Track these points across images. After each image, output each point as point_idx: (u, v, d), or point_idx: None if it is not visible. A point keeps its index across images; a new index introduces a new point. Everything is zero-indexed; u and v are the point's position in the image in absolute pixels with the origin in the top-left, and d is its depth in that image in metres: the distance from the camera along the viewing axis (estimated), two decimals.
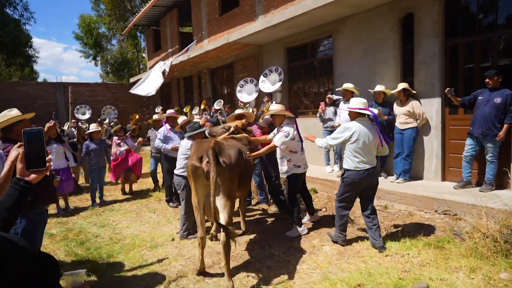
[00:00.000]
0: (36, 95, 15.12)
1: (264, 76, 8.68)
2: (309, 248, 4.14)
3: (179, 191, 4.85)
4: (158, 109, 13.96)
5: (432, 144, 5.68)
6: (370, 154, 3.87)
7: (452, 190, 4.99)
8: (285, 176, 4.74)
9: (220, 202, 3.44)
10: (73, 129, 9.13)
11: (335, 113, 6.58)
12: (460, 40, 5.38)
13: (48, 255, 1.21)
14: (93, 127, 6.78)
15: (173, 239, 4.73)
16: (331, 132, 6.11)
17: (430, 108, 5.64)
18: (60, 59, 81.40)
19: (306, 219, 5.07)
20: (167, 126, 6.27)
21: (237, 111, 5.86)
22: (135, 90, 12.20)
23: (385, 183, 5.80)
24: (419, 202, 4.97)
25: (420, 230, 4.23)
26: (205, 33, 11.99)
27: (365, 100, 3.97)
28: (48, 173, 3.57)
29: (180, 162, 4.78)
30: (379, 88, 6.00)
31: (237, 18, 10.06)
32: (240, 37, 8.45)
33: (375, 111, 5.76)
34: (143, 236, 4.93)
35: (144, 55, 26.35)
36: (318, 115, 6.78)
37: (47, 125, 3.51)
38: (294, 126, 4.57)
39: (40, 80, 33.69)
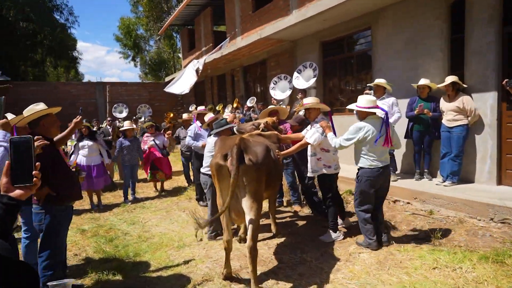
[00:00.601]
0: (78, 95, 15.81)
1: (298, 72, 8.35)
2: (345, 255, 3.80)
3: (205, 190, 4.69)
4: (192, 108, 14.04)
5: (485, 143, 5.09)
6: (384, 152, 3.80)
7: (511, 196, 4.41)
8: (315, 176, 4.44)
9: (246, 203, 3.20)
10: (109, 127, 9.33)
11: None
12: None
13: (27, 265, 1.03)
14: (126, 124, 6.83)
15: (201, 240, 4.57)
16: None
17: (484, 104, 5.05)
18: (103, 61, 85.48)
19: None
20: (198, 123, 6.16)
21: (270, 107, 5.61)
22: (169, 89, 12.32)
23: (430, 185, 5.30)
24: (470, 208, 4.44)
25: (473, 240, 3.76)
26: (238, 30, 11.85)
27: (374, 98, 3.89)
28: (74, 169, 3.52)
29: (206, 160, 4.61)
30: (423, 81, 5.49)
31: (271, 14, 9.81)
32: (273, 32, 8.18)
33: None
34: (171, 235, 4.82)
35: (180, 55, 26.85)
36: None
37: (74, 120, 3.46)
38: (329, 121, 4.25)
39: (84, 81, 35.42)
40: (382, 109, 3.78)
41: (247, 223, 3.22)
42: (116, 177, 9.17)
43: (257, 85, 11.87)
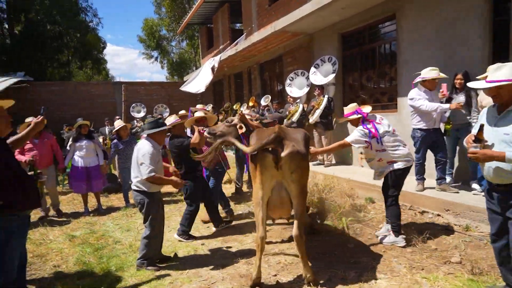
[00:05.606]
0: (98, 94, 15.82)
1: (315, 67, 7.69)
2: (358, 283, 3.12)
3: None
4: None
5: None
6: None
7: None
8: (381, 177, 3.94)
9: (292, 192, 3.08)
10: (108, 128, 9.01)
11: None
12: None
13: None
14: (118, 123, 6.30)
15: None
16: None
17: None
18: (134, 64, 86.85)
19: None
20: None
21: (197, 115, 5.19)
22: (185, 88, 11.98)
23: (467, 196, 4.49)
24: None
25: None
26: (255, 26, 11.31)
27: None
28: (32, 173, 3.05)
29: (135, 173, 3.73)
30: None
31: (287, 6, 9.18)
32: (287, 23, 7.55)
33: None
34: (164, 245, 4.31)
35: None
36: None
37: (34, 120, 3.07)
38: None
39: None
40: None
41: (294, 212, 3.12)
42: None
43: (274, 83, 11.27)
